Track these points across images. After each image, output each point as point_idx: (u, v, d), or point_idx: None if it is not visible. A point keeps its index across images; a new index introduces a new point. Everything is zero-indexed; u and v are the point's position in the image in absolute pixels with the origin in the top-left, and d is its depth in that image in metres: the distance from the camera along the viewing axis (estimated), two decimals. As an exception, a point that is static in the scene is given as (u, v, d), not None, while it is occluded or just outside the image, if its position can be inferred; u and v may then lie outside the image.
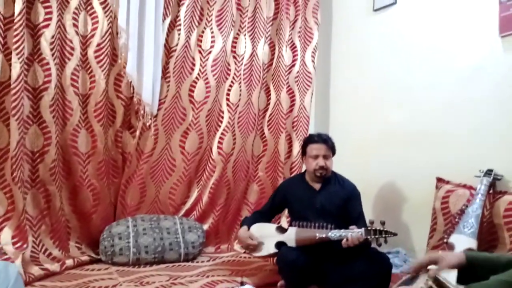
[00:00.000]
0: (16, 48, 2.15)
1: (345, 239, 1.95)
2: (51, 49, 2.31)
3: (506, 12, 2.11)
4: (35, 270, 2.13)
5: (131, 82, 2.54)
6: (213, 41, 2.81)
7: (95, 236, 2.53)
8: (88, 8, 2.45)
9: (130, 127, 2.67)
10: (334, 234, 2.02)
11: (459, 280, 1.12)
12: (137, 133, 2.62)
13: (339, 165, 2.37)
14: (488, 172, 2.07)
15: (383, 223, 1.95)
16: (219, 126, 2.88)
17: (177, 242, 2.53)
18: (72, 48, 2.41)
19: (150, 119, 2.63)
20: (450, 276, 1.15)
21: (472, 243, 1.86)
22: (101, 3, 2.45)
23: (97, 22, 2.45)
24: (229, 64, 2.90)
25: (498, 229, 1.94)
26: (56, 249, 2.35)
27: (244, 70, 2.91)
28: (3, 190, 2.25)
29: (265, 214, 2.42)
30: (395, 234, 1.94)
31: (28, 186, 2.29)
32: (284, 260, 2.06)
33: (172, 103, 2.71)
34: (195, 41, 2.76)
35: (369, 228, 1.94)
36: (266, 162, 3.05)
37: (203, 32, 2.80)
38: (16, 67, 2.16)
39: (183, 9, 2.68)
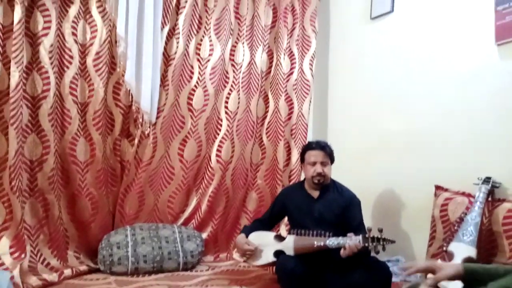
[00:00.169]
0: (15, 57, 2.16)
1: (342, 249, 1.95)
2: (50, 58, 2.31)
3: (502, 21, 2.13)
4: (33, 281, 2.11)
5: (129, 90, 2.54)
6: (211, 49, 2.82)
7: (94, 245, 2.52)
8: (87, 16, 2.46)
9: (129, 135, 2.67)
10: (332, 242, 2.01)
11: None
12: (136, 141, 2.62)
13: (337, 172, 2.37)
14: (487, 180, 2.08)
15: (380, 231, 1.95)
16: (218, 134, 2.88)
17: (176, 251, 2.51)
18: (71, 57, 2.41)
19: (149, 127, 2.63)
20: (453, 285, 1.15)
21: (472, 251, 1.86)
22: (100, 12, 2.46)
23: (96, 30, 2.46)
24: (227, 72, 2.91)
25: (497, 236, 1.95)
26: (54, 259, 2.34)
27: (242, 78, 2.92)
28: (1, 199, 2.24)
29: (265, 222, 2.42)
30: (393, 242, 1.94)
31: (26, 195, 2.28)
32: (283, 269, 2.05)
33: (171, 111, 2.72)
34: (193, 49, 2.77)
35: (367, 235, 1.94)
36: (264, 170, 3.05)
37: (201, 40, 2.81)
38: (15, 76, 2.16)
39: (181, 18, 2.69)
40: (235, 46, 2.94)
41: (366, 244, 1.92)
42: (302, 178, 2.73)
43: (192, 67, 2.78)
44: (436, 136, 2.45)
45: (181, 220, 2.80)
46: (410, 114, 2.62)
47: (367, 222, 2.51)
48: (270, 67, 3.07)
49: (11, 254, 2.17)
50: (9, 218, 2.23)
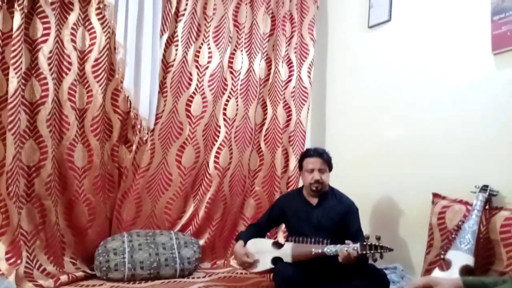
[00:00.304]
0: (14, 63, 2.17)
1: (339, 256, 1.94)
2: (49, 64, 2.32)
3: (498, 30, 2.15)
4: (29, 287, 2.11)
5: (128, 96, 2.55)
6: (210, 57, 2.83)
7: (90, 252, 2.51)
8: (86, 23, 2.47)
9: (127, 142, 2.67)
10: (330, 249, 2.01)
11: None
12: (134, 147, 2.62)
13: (335, 179, 2.37)
14: (484, 188, 2.08)
15: (378, 238, 1.95)
16: (216, 141, 2.89)
17: (173, 258, 2.50)
18: (70, 63, 2.42)
19: (147, 133, 2.63)
20: None
21: (469, 260, 1.85)
22: (99, 19, 2.47)
23: (95, 37, 2.47)
24: (226, 79, 2.92)
25: (495, 245, 1.94)
26: (51, 265, 2.33)
27: (241, 85, 2.93)
28: (-2, 205, 2.23)
29: (261, 227, 2.42)
30: (391, 249, 1.94)
31: (23, 200, 2.27)
32: (281, 276, 2.04)
33: (169, 118, 2.72)
34: (192, 57, 2.79)
35: (364, 243, 1.94)
36: (262, 176, 3.05)
37: (200, 47, 2.83)
38: (14, 82, 2.17)
39: (180, 25, 2.71)
40: (233, 54, 2.95)
41: (364, 252, 1.92)
42: (299, 185, 2.74)
43: (190, 74, 2.80)
44: (434, 144, 2.46)
45: (178, 227, 2.80)
46: (408, 122, 2.63)
47: (365, 229, 2.50)
48: (268, 75, 3.08)
49: (7, 259, 2.16)
50: (6, 223, 2.22)
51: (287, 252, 2.13)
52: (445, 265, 1.90)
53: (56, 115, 2.40)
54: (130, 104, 2.57)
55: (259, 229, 2.39)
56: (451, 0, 2.43)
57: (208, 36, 2.83)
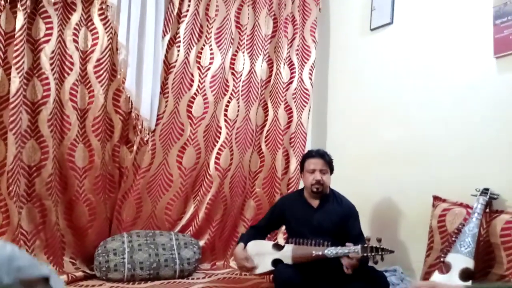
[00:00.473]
0: (16, 63, 2.18)
1: (345, 268, 1.94)
2: (51, 64, 2.33)
3: (500, 34, 2.15)
4: (28, 286, 2.10)
5: (129, 97, 2.56)
6: (212, 58, 2.84)
7: (90, 252, 2.51)
8: (89, 24, 2.48)
9: (128, 142, 2.67)
10: (330, 251, 2.01)
11: None
12: (135, 148, 2.62)
13: (336, 181, 2.37)
14: (484, 191, 2.07)
15: (379, 240, 1.95)
16: (217, 142, 2.89)
17: (173, 259, 2.50)
18: (72, 63, 2.43)
19: (148, 134, 2.64)
20: None
21: (469, 263, 1.85)
22: (101, 20, 2.48)
23: (97, 38, 2.47)
24: (227, 81, 2.92)
25: (495, 248, 1.94)
26: (50, 265, 2.33)
27: (242, 86, 2.93)
28: (-2, 204, 2.24)
29: (262, 229, 2.41)
30: (391, 252, 1.94)
31: (23, 200, 2.28)
32: (281, 278, 2.04)
33: (170, 119, 2.73)
34: (194, 58, 2.79)
35: (365, 245, 1.94)
36: (263, 178, 3.05)
37: (202, 49, 2.83)
38: (15, 82, 2.18)
39: (182, 26, 2.72)
40: (235, 55, 2.96)
41: (365, 254, 1.92)
42: (300, 187, 2.74)
43: (192, 75, 2.80)
44: (434, 146, 2.46)
45: (178, 227, 2.80)
46: (409, 124, 2.63)
47: (365, 231, 2.49)
48: (270, 76, 3.08)
49: (7, 259, 2.16)
50: (6, 223, 2.23)
51: (287, 254, 2.13)
52: (445, 268, 1.90)
53: (58, 115, 2.40)
54: (132, 104, 2.57)
55: (260, 231, 2.39)
56: (454, 3, 2.44)
57: (210, 37, 2.84)
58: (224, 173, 2.86)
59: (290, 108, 3.06)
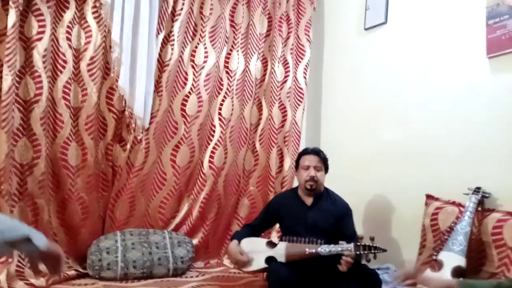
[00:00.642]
0: (8, 61, 2.15)
1: (340, 267, 1.94)
2: (44, 62, 2.31)
3: (493, 34, 2.17)
4: (20, 285, 2.09)
5: (123, 95, 2.54)
6: (206, 56, 2.83)
7: (83, 250, 2.50)
8: (82, 22, 2.47)
9: (121, 141, 2.66)
10: (323, 249, 2.02)
11: None
12: (128, 146, 2.61)
13: (330, 180, 2.38)
14: (477, 190, 2.09)
15: (372, 239, 1.96)
16: (211, 141, 2.88)
17: (166, 257, 2.50)
18: (65, 61, 2.41)
19: (142, 132, 2.62)
20: None
21: (461, 261, 1.86)
22: (95, 18, 2.46)
23: (91, 36, 2.46)
24: (221, 79, 2.92)
25: (486, 246, 1.95)
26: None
27: (236, 85, 2.93)
28: (-10, 203, 2.22)
29: (256, 228, 2.41)
30: (384, 250, 1.94)
31: (15, 199, 2.26)
32: (274, 275, 2.04)
33: (164, 117, 2.72)
34: (188, 56, 2.78)
35: (358, 243, 1.95)
36: (257, 176, 3.05)
37: (196, 47, 2.83)
38: (8, 80, 2.16)
39: (177, 25, 2.71)
40: (229, 54, 2.95)
41: (358, 252, 1.92)
42: (294, 186, 2.74)
43: (186, 73, 2.79)
44: (428, 146, 2.47)
45: (172, 226, 2.79)
46: (403, 124, 2.64)
47: (359, 229, 2.52)
48: (264, 75, 3.08)
49: (-2, 258, 2.15)
50: (-2, 222, 2.21)
51: (281, 251, 2.13)
52: (437, 265, 1.91)
53: (50, 113, 2.39)
54: (125, 103, 2.56)
55: (254, 229, 2.39)
56: (447, 3, 2.45)
57: (205, 36, 2.83)
58: (218, 171, 2.86)
59: (284, 107, 3.06)
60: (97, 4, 2.45)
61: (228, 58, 2.95)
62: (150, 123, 2.66)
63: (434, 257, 2.00)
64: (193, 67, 2.82)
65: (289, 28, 3.11)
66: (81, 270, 2.46)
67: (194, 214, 2.82)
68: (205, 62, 2.83)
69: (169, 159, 2.76)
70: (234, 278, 2.50)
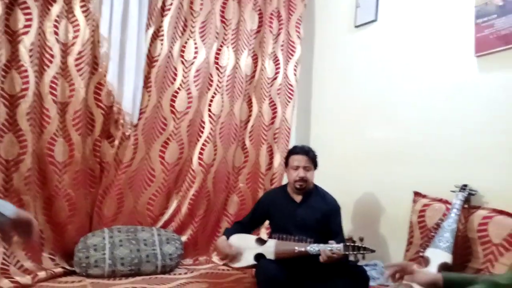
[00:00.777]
0: (-7, 55, 2.12)
1: (321, 257, 1.95)
2: (30, 56, 2.27)
3: (481, 33, 2.18)
4: (5, 283, 2.06)
5: (111, 91, 2.52)
6: (196, 52, 2.81)
7: (70, 247, 2.47)
8: (70, 16, 2.43)
9: (109, 137, 2.63)
10: (313, 248, 2.02)
11: None
12: (116, 142, 2.58)
13: (318, 177, 2.38)
14: (463, 188, 2.11)
15: (361, 239, 1.97)
16: (200, 137, 2.87)
17: (154, 254, 2.49)
18: (52, 56, 2.37)
19: (130, 128, 2.60)
20: None
21: (447, 257, 1.89)
22: (83, 12, 2.43)
23: (79, 30, 2.43)
24: (211, 75, 2.90)
25: (472, 243, 1.98)
26: (28, 261, 2.28)
27: (226, 81, 2.92)
28: (-25, 199, 2.18)
29: (246, 225, 2.41)
30: (373, 251, 1.95)
31: (1, 195, 2.22)
32: (265, 274, 2.05)
33: (153, 113, 2.70)
34: (178, 52, 2.76)
35: (347, 244, 1.95)
36: (247, 173, 3.05)
37: (186, 42, 2.81)
38: (-7, 74, 2.12)
39: (166, 20, 2.68)
40: (220, 50, 2.94)
41: (347, 253, 1.93)
42: (283, 183, 2.74)
43: (176, 69, 2.77)
44: (417, 144, 2.48)
45: (160, 223, 2.78)
46: (392, 123, 2.66)
47: (348, 227, 2.53)
48: (254, 71, 3.07)
49: (-17, 255, 2.12)
50: (-17, 218, 2.18)
51: (270, 249, 2.14)
52: (424, 262, 1.93)
53: (37, 108, 2.35)
54: (114, 98, 2.54)
55: (244, 227, 2.39)
56: (437, 2, 2.46)
57: (195, 31, 2.81)
58: (208, 168, 2.85)
59: (275, 104, 3.06)
60: (86, -2, 2.42)
61: (218, 54, 2.93)
62: (139, 119, 2.64)
63: (421, 254, 2.03)
64: (182, 62, 2.79)
65: (280, 24, 3.10)
66: (68, 267, 2.43)
67: (183, 211, 2.80)
68: (195, 57, 2.81)
69: (158, 156, 2.74)
70: (223, 275, 2.50)
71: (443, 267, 1.85)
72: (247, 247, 2.21)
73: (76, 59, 2.42)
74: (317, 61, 3.31)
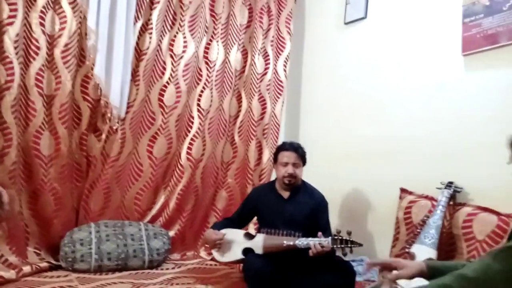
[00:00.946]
0: (-23, 45, 2.07)
1: (311, 250, 1.97)
2: (15, 48, 2.22)
3: (469, 32, 2.21)
4: (-11, 278, 2.03)
5: (98, 84, 2.48)
6: (185, 46, 2.79)
7: (56, 242, 2.44)
8: (56, 7, 2.39)
9: (96, 130, 2.60)
10: (301, 242, 2.03)
11: None
12: (103, 136, 2.56)
13: (307, 173, 2.39)
14: (449, 184, 2.14)
15: (349, 233, 1.98)
16: (189, 132, 2.86)
17: (142, 249, 2.47)
18: (38, 48, 2.33)
19: (117, 122, 2.57)
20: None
21: (432, 253, 1.91)
22: (70, 3, 2.39)
23: (66, 22, 2.39)
24: (201, 70, 2.89)
25: (457, 239, 2.01)
26: (13, 255, 2.24)
27: (216, 76, 2.90)
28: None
29: (235, 221, 2.41)
30: (360, 245, 1.97)
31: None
32: (251, 267, 2.05)
33: (141, 107, 2.67)
34: (166, 45, 2.74)
35: (335, 237, 1.97)
36: (235, 168, 3.05)
37: (175, 36, 2.78)
38: (-24, 65, 2.07)
39: (155, 13, 2.65)
40: (209, 44, 2.92)
41: (335, 246, 1.95)
42: (272, 178, 2.75)
43: (164, 63, 2.75)
44: (404, 141, 2.50)
45: (148, 218, 2.76)
46: (380, 120, 2.67)
47: (335, 223, 2.54)
48: (244, 67, 3.07)
49: (-34, 250, 2.08)
50: (-34, 212, 2.14)
51: (258, 243, 2.14)
52: (409, 258, 1.95)
53: (22, 101, 2.31)
54: (101, 91, 2.51)
55: (233, 223, 2.39)
56: (425, 1, 2.48)
57: (184, 25, 2.79)
58: (196, 163, 2.84)
59: (264, 99, 3.05)
60: (73, -11, 2.37)
61: (208, 48, 2.91)
62: (127, 112, 2.61)
63: (406, 250, 2.05)
64: (171, 56, 2.77)
65: (270, 20, 3.09)
66: (53, 262, 2.41)
67: (171, 206, 2.79)
68: (184, 51, 2.78)
69: (145, 150, 2.72)
70: (211, 270, 2.51)
71: (428, 262, 1.87)
72: (236, 241, 2.22)
73: (63, 51, 2.38)
74: (306, 57, 3.31)
